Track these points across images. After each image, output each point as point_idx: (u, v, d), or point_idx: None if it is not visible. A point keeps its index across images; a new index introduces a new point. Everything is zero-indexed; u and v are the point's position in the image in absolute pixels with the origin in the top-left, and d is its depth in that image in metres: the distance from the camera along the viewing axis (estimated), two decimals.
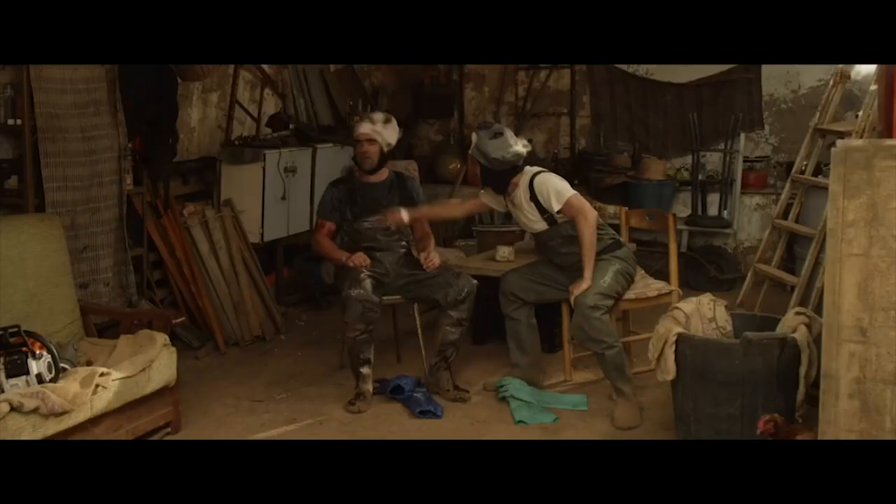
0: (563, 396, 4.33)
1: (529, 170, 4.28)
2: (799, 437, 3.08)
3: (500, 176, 4.26)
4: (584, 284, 4.08)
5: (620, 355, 4.12)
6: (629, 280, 4.30)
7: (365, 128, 4.43)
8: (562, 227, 4.21)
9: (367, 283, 4.18)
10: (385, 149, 4.47)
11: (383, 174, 4.55)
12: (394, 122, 4.51)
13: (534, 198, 4.22)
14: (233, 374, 4.76)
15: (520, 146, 4.23)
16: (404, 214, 4.37)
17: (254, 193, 5.59)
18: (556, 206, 4.16)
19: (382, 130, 4.43)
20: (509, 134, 4.26)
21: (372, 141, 4.42)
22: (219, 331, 5.16)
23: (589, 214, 4.11)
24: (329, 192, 4.56)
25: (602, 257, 4.20)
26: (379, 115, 4.52)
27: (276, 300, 5.74)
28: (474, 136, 4.32)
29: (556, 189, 4.18)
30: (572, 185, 4.33)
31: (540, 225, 4.27)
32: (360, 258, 4.30)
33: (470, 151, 4.34)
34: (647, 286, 4.43)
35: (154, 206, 5.08)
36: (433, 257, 4.41)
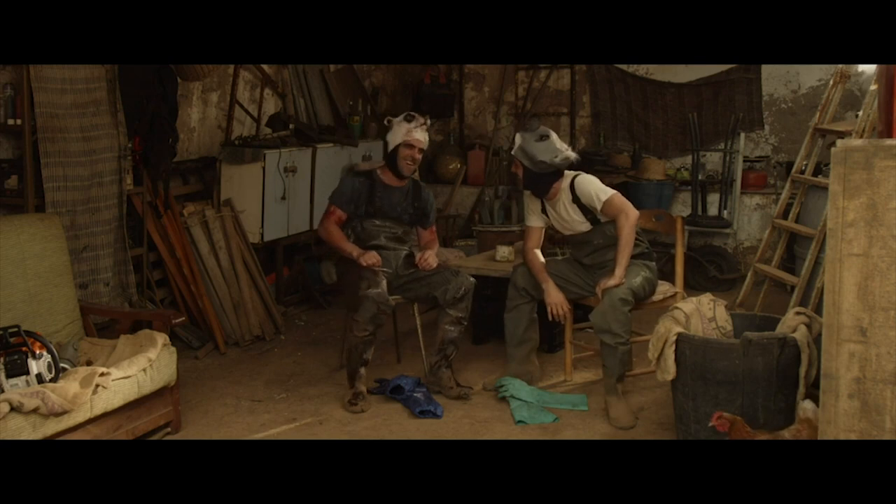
0: (563, 396, 4.33)
1: (569, 173, 4.32)
2: (759, 438, 3.12)
3: (544, 179, 4.26)
4: (615, 281, 4.08)
5: (628, 354, 4.13)
6: (651, 292, 4.31)
7: (420, 135, 4.39)
8: (605, 227, 4.25)
9: (384, 284, 4.17)
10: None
11: (404, 181, 4.53)
12: None
13: (576, 199, 4.26)
14: (233, 374, 4.76)
15: (569, 151, 4.26)
16: (434, 261, 4.39)
17: (254, 193, 5.59)
18: (598, 205, 4.20)
19: (426, 141, 4.45)
20: (555, 137, 4.28)
21: (422, 150, 4.42)
22: (219, 331, 5.16)
23: (630, 213, 4.14)
24: (349, 182, 4.46)
25: (635, 261, 4.24)
26: (426, 123, 4.46)
27: (276, 300, 5.74)
28: (518, 138, 4.31)
29: (598, 188, 4.23)
30: None
31: (584, 225, 4.30)
32: (373, 258, 4.24)
33: (513, 153, 4.32)
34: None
35: (154, 206, 5.08)
36: (428, 258, 4.39)
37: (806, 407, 3.14)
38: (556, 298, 4.29)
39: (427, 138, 4.45)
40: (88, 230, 4.55)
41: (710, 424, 3.23)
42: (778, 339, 3.45)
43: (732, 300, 5.14)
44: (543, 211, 4.43)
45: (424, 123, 4.44)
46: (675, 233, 4.48)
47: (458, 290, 4.28)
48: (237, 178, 5.59)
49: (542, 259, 4.43)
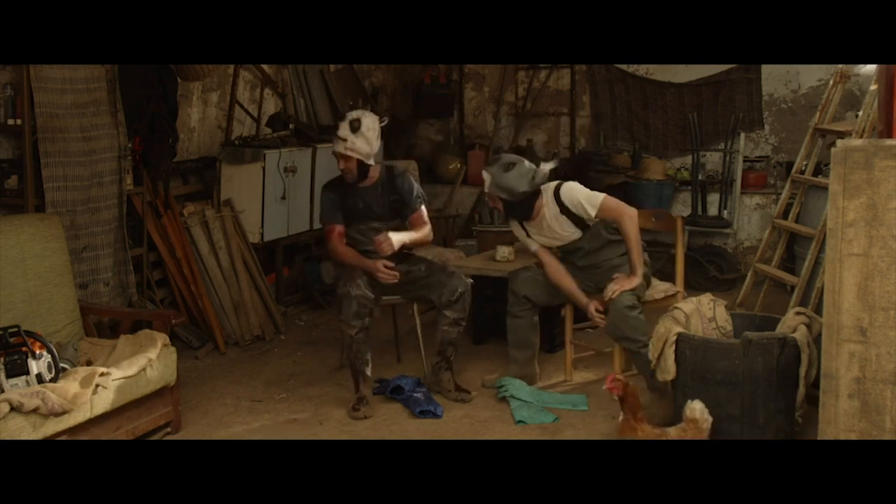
0: (563, 396, 4.33)
1: (547, 185, 4.23)
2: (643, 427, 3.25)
3: (525, 203, 4.19)
4: (635, 281, 4.05)
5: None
6: (647, 286, 4.30)
7: (338, 147, 4.24)
8: (595, 229, 4.22)
9: (362, 281, 4.16)
10: (365, 161, 4.29)
11: (373, 177, 4.41)
12: (367, 126, 4.21)
13: (564, 210, 4.18)
14: (233, 374, 4.76)
15: (543, 164, 4.18)
16: (395, 242, 4.21)
17: (254, 193, 5.59)
18: (592, 212, 4.13)
19: (356, 146, 4.20)
20: (518, 159, 4.19)
21: (347, 158, 4.27)
22: (219, 331, 5.16)
23: (630, 212, 4.11)
24: (327, 197, 4.42)
25: None
26: (346, 129, 4.18)
27: (276, 300, 5.74)
28: (486, 175, 4.18)
29: (586, 196, 4.16)
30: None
31: (575, 234, 4.24)
32: (389, 275, 4.19)
33: (487, 190, 4.21)
34: (653, 288, 4.42)
35: (154, 206, 5.08)
36: (382, 241, 4.18)
37: (693, 406, 3.24)
38: (588, 305, 4.22)
39: (347, 146, 4.20)
40: (88, 230, 4.55)
41: (605, 387, 3.39)
42: (778, 339, 3.45)
43: (732, 300, 5.13)
44: (525, 230, 4.34)
45: (338, 137, 4.22)
46: (675, 233, 4.48)
47: (452, 294, 4.25)
48: (237, 178, 5.59)
49: (562, 269, 4.31)
